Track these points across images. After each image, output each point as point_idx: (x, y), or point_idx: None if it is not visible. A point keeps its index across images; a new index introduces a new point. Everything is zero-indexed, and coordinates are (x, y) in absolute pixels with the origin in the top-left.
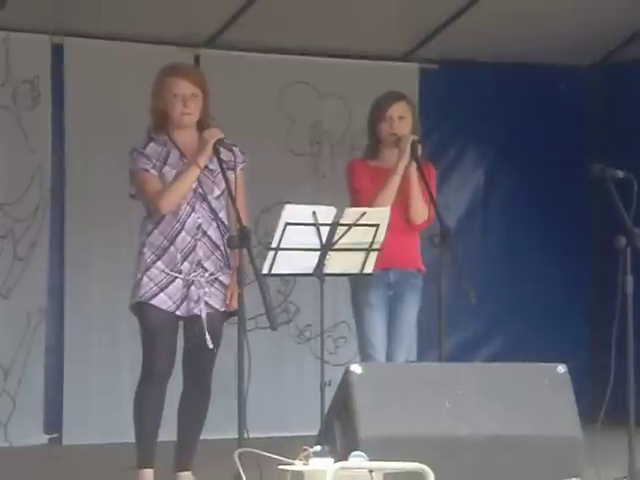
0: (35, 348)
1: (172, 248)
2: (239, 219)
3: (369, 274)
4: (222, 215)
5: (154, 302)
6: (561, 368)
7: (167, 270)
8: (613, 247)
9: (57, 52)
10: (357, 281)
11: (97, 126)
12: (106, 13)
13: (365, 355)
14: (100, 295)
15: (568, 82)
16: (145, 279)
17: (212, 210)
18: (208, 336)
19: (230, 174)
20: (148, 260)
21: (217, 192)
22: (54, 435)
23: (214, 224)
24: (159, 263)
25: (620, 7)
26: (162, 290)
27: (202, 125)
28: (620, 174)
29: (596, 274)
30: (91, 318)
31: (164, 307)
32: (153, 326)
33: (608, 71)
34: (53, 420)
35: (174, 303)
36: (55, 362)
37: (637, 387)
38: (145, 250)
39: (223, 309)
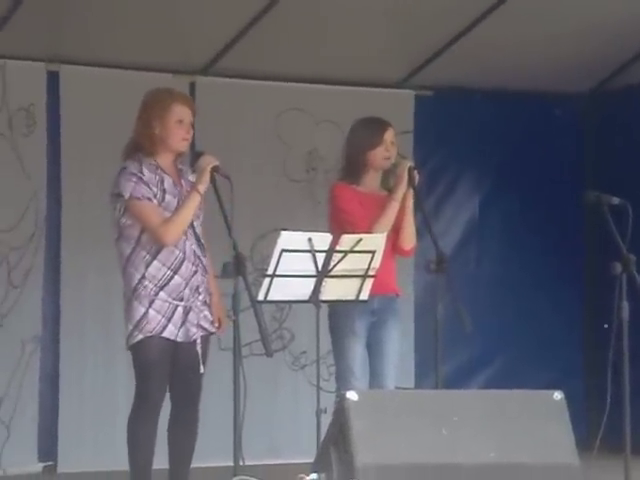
0: (30, 376)
1: (177, 277)
2: (235, 247)
3: (364, 301)
4: (203, 240)
5: (165, 335)
6: (557, 395)
7: (170, 299)
8: (607, 273)
9: (53, 79)
10: (339, 308)
11: (93, 153)
12: (102, 41)
13: (345, 382)
14: (96, 323)
15: (563, 109)
16: (152, 312)
17: (196, 235)
18: (201, 360)
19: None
20: (151, 292)
21: (201, 218)
22: (48, 463)
23: (200, 249)
24: (162, 294)
25: (612, 36)
26: (169, 321)
27: (194, 154)
28: (615, 200)
29: (590, 300)
30: (86, 346)
31: (172, 337)
32: (156, 358)
33: (602, 98)
34: (47, 448)
35: (177, 330)
36: (50, 390)
37: (633, 414)
38: (146, 283)
39: (212, 330)
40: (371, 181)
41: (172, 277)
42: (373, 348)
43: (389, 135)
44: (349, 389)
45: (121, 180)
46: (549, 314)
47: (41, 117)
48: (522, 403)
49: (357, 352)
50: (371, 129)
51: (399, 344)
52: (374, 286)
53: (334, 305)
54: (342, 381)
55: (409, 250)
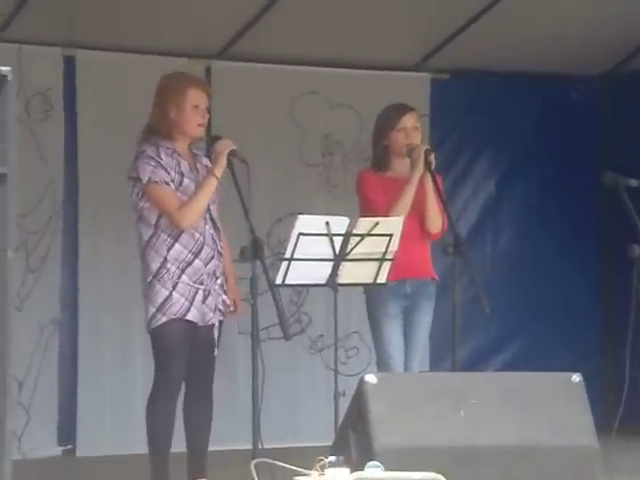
0: (49, 359)
1: (197, 261)
2: (252, 230)
3: (382, 284)
4: (219, 224)
5: (189, 317)
6: (576, 377)
7: (191, 282)
8: (624, 254)
9: (69, 64)
10: (373, 292)
11: (109, 137)
12: (118, 25)
13: (384, 366)
14: (114, 306)
15: (579, 91)
16: (176, 295)
17: (212, 219)
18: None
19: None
20: (174, 275)
21: (217, 202)
22: (68, 447)
23: (216, 233)
24: (184, 277)
25: (631, 17)
26: (192, 304)
27: (210, 138)
28: (634, 182)
29: (608, 281)
30: (105, 329)
31: (195, 320)
32: (179, 341)
33: (618, 80)
34: (67, 432)
35: (200, 314)
36: (69, 373)
37: None
38: (169, 265)
39: (228, 314)
40: (398, 166)
41: (193, 261)
42: (405, 332)
43: (409, 120)
44: (386, 371)
45: (139, 164)
46: (567, 296)
47: (58, 102)
48: (540, 385)
49: (393, 335)
50: (390, 114)
51: (427, 330)
52: (405, 270)
53: (369, 291)
54: (381, 366)
55: (436, 234)
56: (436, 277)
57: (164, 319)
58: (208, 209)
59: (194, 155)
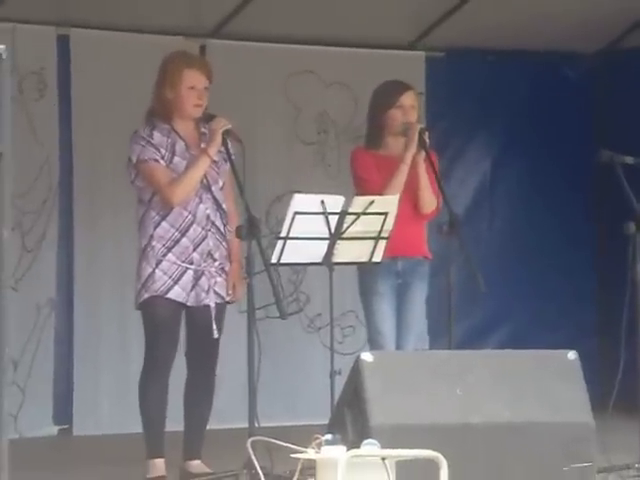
0: (45, 339)
1: (184, 239)
2: (248, 209)
3: (378, 262)
4: (224, 206)
5: (170, 295)
6: (571, 355)
7: (178, 262)
8: (619, 234)
9: (63, 43)
10: (365, 270)
11: (104, 117)
12: (112, 4)
13: (375, 343)
14: (109, 286)
15: (574, 69)
16: (158, 272)
17: (216, 200)
18: (215, 326)
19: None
20: (159, 253)
21: (221, 183)
22: (64, 426)
23: (219, 214)
24: (170, 255)
25: None
26: (176, 282)
27: (205, 117)
28: (629, 160)
29: (602, 261)
30: (101, 309)
31: (179, 299)
32: (163, 318)
33: (612, 58)
34: (63, 411)
35: (187, 294)
36: (65, 353)
37: None
38: (154, 243)
39: (228, 298)
40: (393, 144)
41: (180, 239)
42: (398, 310)
43: (407, 99)
44: (377, 349)
45: (131, 144)
46: (562, 274)
47: (52, 81)
48: (536, 363)
49: (384, 312)
50: (388, 91)
51: (422, 308)
52: (398, 248)
53: (361, 269)
54: (372, 343)
55: (429, 213)
56: (429, 256)
57: (146, 295)
58: (209, 189)
59: (201, 135)
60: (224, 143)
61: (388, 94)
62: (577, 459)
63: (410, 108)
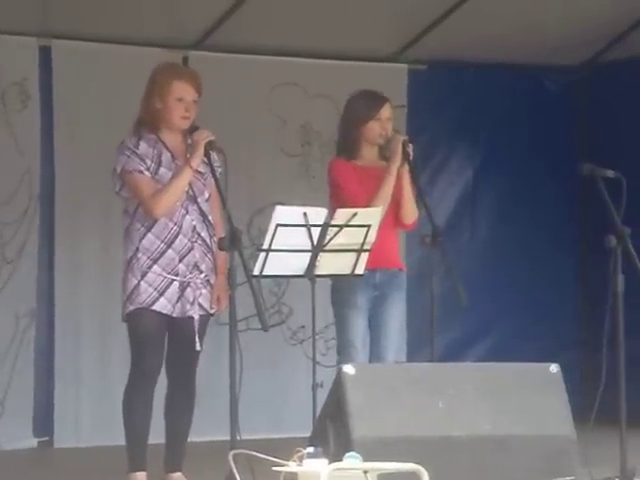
0: (24, 351)
1: (170, 251)
2: (230, 221)
3: (360, 275)
4: (210, 218)
5: (155, 307)
6: (554, 368)
7: (164, 273)
8: (601, 246)
9: (45, 54)
10: (342, 282)
11: (86, 128)
12: (94, 15)
13: (346, 355)
14: (91, 297)
15: (558, 82)
16: (144, 285)
17: (202, 212)
18: (198, 338)
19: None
20: (144, 265)
21: (207, 194)
22: (44, 438)
23: (205, 226)
24: (155, 267)
25: (608, 7)
26: (161, 294)
27: (189, 128)
28: (610, 173)
29: (585, 273)
30: (82, 320)
31: (165, 311)
32: (149, 330)
33: (594, 71)
34: (43, 423)
35: (172, 306)
36: (45, 365)
37: (628, 386)
38: (140, 255)
39: (212, 311)
40: (368, 154)
41: (166, 251)
42: (374, 322)
43: (385, 111)
44: (350, 362)
45: (117, 155)
46: (544, 286)
47: (34, 92)
48: (519, 376)
49: (359, 325)
50: (367, 103)
51: (400, 319)
52: (376, 260)
53: (337, 279)
54: (343, 354)
55: (411, 224)
56: (404, 268)
57: (131, 307)
58: (195, 200)
59: (187, 147)
60: (207, 154)
61: (367, 107)
62: (559, 472)
63: (387, 120)
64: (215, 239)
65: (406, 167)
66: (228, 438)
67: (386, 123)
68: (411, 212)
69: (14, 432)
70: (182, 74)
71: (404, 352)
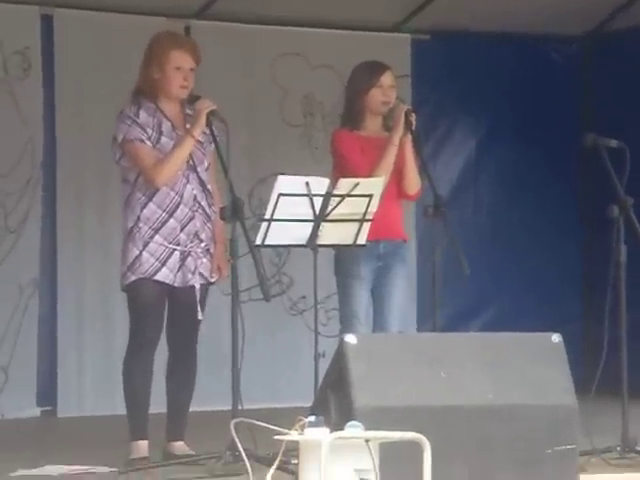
0: (28, 320)
1: (171, 220)
2: (232, 190)
3: (362, 245)
4: (210, 187)
5: (158, 277)
6: (556, 337)
7: (165, 243)
8: (603, 218)
9: (47, 23)
10: (345, 252)
11: (87, 97)
12: None
13: (349, 325)
14: (94, 266)
15: (560, 52)
16: (145, 255)
17: (202, 181)
18: (199, 307)
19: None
20: (146, 235)
21: (206, 164)
22: (47, 408)
23: (205, 195)
24: (157, 237)
25: None
26: (163, 264)
27: (188, 97)
28: (613, 143)
29: (587, 243)
30: (85, 290)
31: (167, 281)
32: (150, 300)
33: (599, 41)
34: (46, 393)
35: (174, 275)
36: (48, 334)
37: (630, 357)
38: (141, 225)
39: (212, 280)
40: (372, 124)
41: (167, 220)
42: (377, 293)
43: (387, 78)
44: (350, 332)
45: (117, 124)
46: (546, 257)
47: (36, 61)
48: (521, 346)
49: (362, 296)
50: (368, 72)
51: (404, 290)
52: (380, 230)
53: (340, 249)
54: (346, 324)
55: (413, 195)
56: (407, 238)
57: (133, 277)
58: (195, 170)
59: (186, 116)
60: (209, 124)
61: (368, 74)
62: (560, 442)
63: (389, 88)
64: (215, 208)
65: (409, 137)
66: (230, 408)
67: (388, 91)
68: (414, 182)
69: (17, 401)
70: (180, 43)
71: (414, 323)
